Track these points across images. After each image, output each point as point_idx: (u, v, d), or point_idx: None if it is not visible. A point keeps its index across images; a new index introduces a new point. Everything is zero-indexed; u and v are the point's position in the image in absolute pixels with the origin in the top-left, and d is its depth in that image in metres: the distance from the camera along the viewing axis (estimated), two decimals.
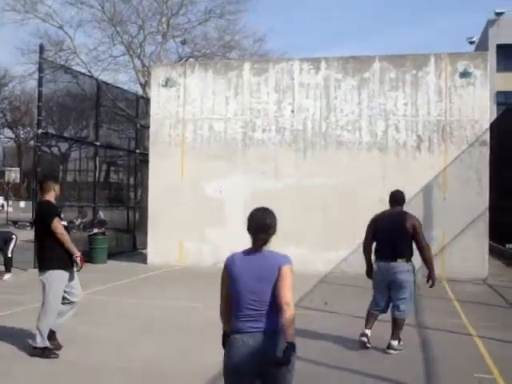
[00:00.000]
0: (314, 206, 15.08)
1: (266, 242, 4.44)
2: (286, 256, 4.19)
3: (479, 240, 14.24)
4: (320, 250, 14.73)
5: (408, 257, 7.39)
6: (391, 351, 7.20)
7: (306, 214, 14.95)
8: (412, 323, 7.82)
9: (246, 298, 3.93)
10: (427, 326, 8.48)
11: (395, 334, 7.31)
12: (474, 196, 14.34)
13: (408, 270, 7.35)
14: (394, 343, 7.26)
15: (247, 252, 4.43)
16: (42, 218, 7.07)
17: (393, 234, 7.37)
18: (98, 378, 6.09)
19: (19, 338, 7.57)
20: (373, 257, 7.67)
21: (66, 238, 6.97)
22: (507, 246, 18.44)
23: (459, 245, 14.25)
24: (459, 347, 7.64)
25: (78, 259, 7.05)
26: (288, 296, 3.75)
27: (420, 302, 11.12)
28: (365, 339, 7.35)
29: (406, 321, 7.88)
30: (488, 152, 14.57)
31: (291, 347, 3.54)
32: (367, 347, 7.30)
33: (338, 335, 8.05)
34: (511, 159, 18.93)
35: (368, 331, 7.43)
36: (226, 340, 4.12)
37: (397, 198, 7.76)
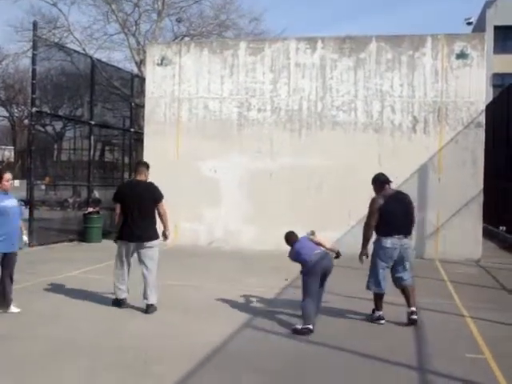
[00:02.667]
0: (308, 186, 15.08)
1: None
2: None
3: (473, 222, 14.30)
4: (315, 231, 14.72)
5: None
6: (414, 316, 7.62)
7: (301, 194, 14.95)
8: (405, 303, 7.86)
9: None
10: (420, 306, 8.51)
11: (412, 301, 7.74)
12: (468, 178, 14.37)
13: (411, 245, 8.00)
14: (414, 309, 7.70)
15: None
16: (156, 196, 8.50)
17: (406, 212, 7.84)
18: (90, 356, 6.11)
19: (11, 317, 7.61)
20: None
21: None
22: (500, 228, 18.52)
23: (453, 226, 14.31)
24: (451, 328, 7.69)
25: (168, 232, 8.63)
26: None
27: (413, 283, 11.20)
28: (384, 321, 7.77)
29: (399, 301, 7.96)
30: (483, 134, 14.57)
31: None
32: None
33: (330, 315, 8.10)
34: (506, 141, 18.94)
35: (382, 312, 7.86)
36: None
37: (388, 179, 8.06)
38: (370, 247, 7.92)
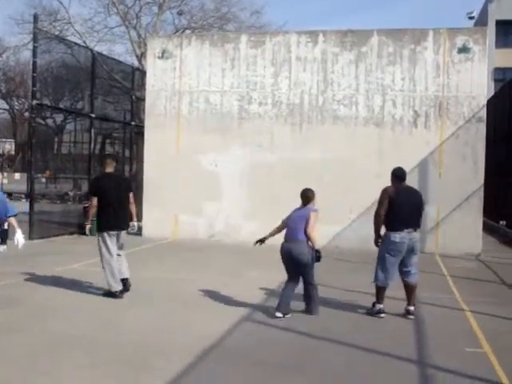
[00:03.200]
0: (309, 180, 15.01)
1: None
2: None
3: (473, 216, 14.30)
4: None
5: None
6: (411, 316, 7.72)
7: (301, 188, 14.90)
8: (405, 298, 7.86)
9: None
10: (420, 300, 8.53)
11: (412, 300, 7.84)
12: (469, 172, 14.36)
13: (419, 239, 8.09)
14: (413, 308, 7.79)
15: None
16: (130, 186, 9.29)
17: (416, 206, 7.93)
18: (89, 350, 6.11)
19: (11, 310, 7.62)
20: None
21: None
22: (501, 222, 18.52)
23: (453, 221, 14.31)
24: (451, 322, 7.70)
25: None
26: None
27: (417, 281, 11.21)
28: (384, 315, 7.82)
29: (399, 295, 7.97)
30: (484, 129, 14.55)
31: None
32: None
33: (331, 308, 8.11)
34: (507, 136, 18.92)
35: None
36: None
37: (404, 175, 8.19)
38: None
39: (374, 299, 7.95)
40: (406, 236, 7.65)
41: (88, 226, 9.52)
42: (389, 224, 7.76)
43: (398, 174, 8.14)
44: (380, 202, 7.86)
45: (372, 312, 7.87)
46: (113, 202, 8.67)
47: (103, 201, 8.68)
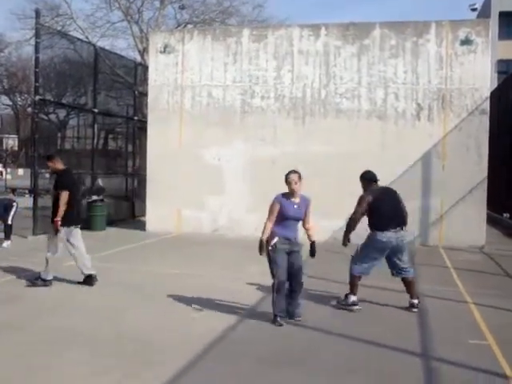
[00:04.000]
0: (312, 174, 15.00)
1: None
2: None
3: (477, 209, 14.28)
4: (318, 218, 14.68)
5: None
6: (415, 309, 7.74)
7: (304, 182, 14.89)
8: (403, 289, 7.88)
9: None
10: (424, 293, 8.53)
11: (415, 293, 7.83)
12: (472, 165, 14.33)
13: (407, 237, 8.11)
14: (416, 301, 7.78)
15: None
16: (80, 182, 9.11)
17: (398, 207, 7.92)
18: (91, 346, 6.12)
19: (12, 306, 7.65)
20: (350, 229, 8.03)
21: None
22: (504, 215, 18.50)
23: (457, 213, 14.29)
24: (455, 314, 7.71)
25: None
26: None
27: (417, 270, 11.21)
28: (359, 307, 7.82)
29: (399, 288, 7.98)
30: (487, 121, 14.50)
31: None
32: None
33: (331, 301, 8.11)
34: (510, 128, 18.86)
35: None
36: None
37: (375, 177, 8.24)
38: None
39: (374, 292, 7.94)
40: (393, 236, 7.63)
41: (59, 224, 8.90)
42: (374, 226, 7.76)
43: (369, 177, 8.21)
44: (357, 208, 7.89)
45: (346, 304, 7.81)
46: (77, 197, 9.15)
47: (72, 195, 8.86)
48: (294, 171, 7.19)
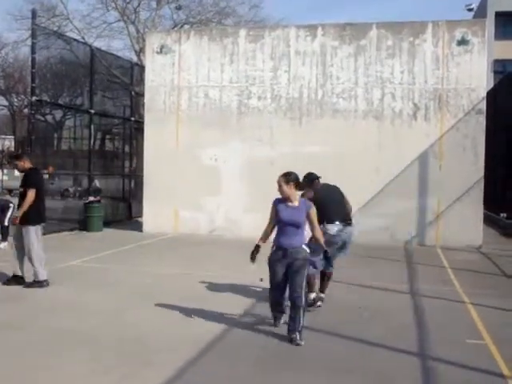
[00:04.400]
0: None
1: None
2: None
3: (474, 208, 14.29)
4: None
5: None
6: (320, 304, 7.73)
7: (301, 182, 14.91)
8: (406, 290, 7.88)
9: None
10: (421, 293, 8.55)
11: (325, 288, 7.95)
12: (469, 165, 14.36)
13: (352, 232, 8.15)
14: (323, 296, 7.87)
15: None
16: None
17: (342, 203, 8.16)
18: (91, 346, 6.12)
19: (10, 307, 7.64)
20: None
21: None
22: (501, 214, 18.52)
23: (454, 213, 14.31)
24: (452, 314, 7.71)
25: None
26: None
27: (414, 270, 11.24)
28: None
29: (400, 288, 7.97)
30: (484, 121, 14.53)
31: None
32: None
33: (331, 303, 8.11)
34: (506, 128, 18.90)
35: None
36: None
37: (312, 175, 8.36)
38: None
39: (372, 292, 7.94)
40: (342, 229, 7.76)
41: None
42: (322, 220, 7.51)
43: (313, 177, 8.26)
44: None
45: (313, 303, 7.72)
46: (42, 196, 9.09)
47: (39, 194, 8.88)
48: (286, 174, 6.73)
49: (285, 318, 6.72)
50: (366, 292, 8.38)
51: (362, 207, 14.26)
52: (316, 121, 15.39)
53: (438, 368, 5.61)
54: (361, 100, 15.17)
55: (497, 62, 37.27)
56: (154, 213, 16.04)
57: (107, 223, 17.10)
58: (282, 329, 6.71)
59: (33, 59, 15.15)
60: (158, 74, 16.47)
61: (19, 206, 8.88)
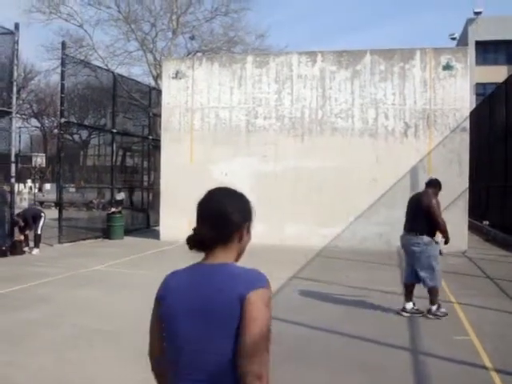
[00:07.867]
0: (311, 187, 15.06)
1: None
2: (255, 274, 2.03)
3: (460, 217, 14.23)
4: (316, 227, 14.72)
5: None
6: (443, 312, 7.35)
7: (304, 194, 14.93)
8: (397, 291, 7.84)
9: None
10: (413, 294, 8.47)
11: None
12: (455, 177, 14.31)
13: None
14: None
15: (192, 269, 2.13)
16: None
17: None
18: (116, 344, 6.12)
19: (42, 307, 7.64)
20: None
21: None
22: (484, 222, 18.44)
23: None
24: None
25: None
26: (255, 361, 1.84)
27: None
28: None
29: (393, 289, 7.92)
30: (468, 137, 14.52)
31: None
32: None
33: (333, 303, 8.08)
34: (488, 144, 18.87)
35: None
36: None
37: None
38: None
39: (368, 294, 7.89)
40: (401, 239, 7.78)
41: None
42: (430, 232, 7.92)
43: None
44: (438, 212, 8.12)
45: (436, 311, 7.38)
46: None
47: None
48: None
49: None
50: (363, 293, 8.33)
51: (359, 216, 14.25)
52: (316, 138, 15.40)
53: (427, 362, 5.58)
54: (357, 119, 15.18)
55: (478, 85, 37.29)
56: (171, 222, 16.02)
57: (128, 231, 17.12)
58: (283, 326, 6.70)
59: (62, 85, 15.26)
60: (173, 97, 16.54)
61: None
